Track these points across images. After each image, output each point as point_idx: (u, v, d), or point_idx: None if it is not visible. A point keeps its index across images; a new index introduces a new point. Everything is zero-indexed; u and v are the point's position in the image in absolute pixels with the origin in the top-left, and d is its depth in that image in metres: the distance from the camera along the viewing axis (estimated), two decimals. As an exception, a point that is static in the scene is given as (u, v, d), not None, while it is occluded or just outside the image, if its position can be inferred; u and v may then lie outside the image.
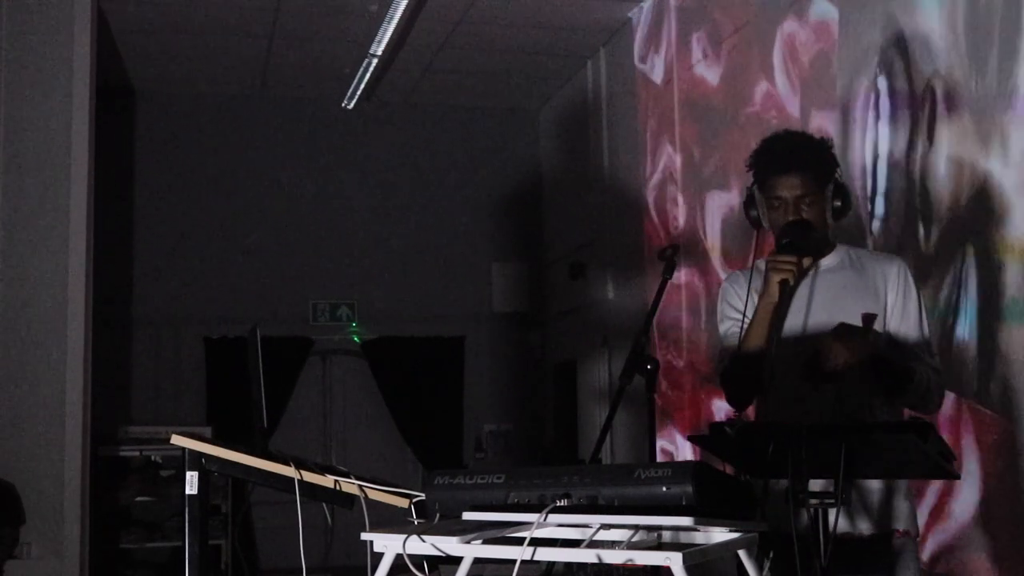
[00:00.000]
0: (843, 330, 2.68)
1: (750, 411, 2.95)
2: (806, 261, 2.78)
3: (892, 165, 4.58)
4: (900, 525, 2.78)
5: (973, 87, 4.11)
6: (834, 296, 2.83)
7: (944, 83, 4.28)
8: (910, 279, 2.86)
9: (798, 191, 2.80)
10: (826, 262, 2.89)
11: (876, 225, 4.69)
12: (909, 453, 2.29)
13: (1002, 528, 3.93)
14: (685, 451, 6.46)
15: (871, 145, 4.73)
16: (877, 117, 4.69)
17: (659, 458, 4.93)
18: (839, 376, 2.67)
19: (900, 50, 4.56)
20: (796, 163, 2.82)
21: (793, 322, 2.82)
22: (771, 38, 5.61)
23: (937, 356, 2.92)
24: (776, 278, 2.70)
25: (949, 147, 4.23)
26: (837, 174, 2.89)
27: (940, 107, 4.28)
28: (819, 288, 2.85)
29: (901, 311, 2.83)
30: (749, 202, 2.92)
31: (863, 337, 2.65)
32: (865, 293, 2.83)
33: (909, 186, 4.46)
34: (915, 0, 4.47)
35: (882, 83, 4.67)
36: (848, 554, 2.70)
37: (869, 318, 2.67)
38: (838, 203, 2.84)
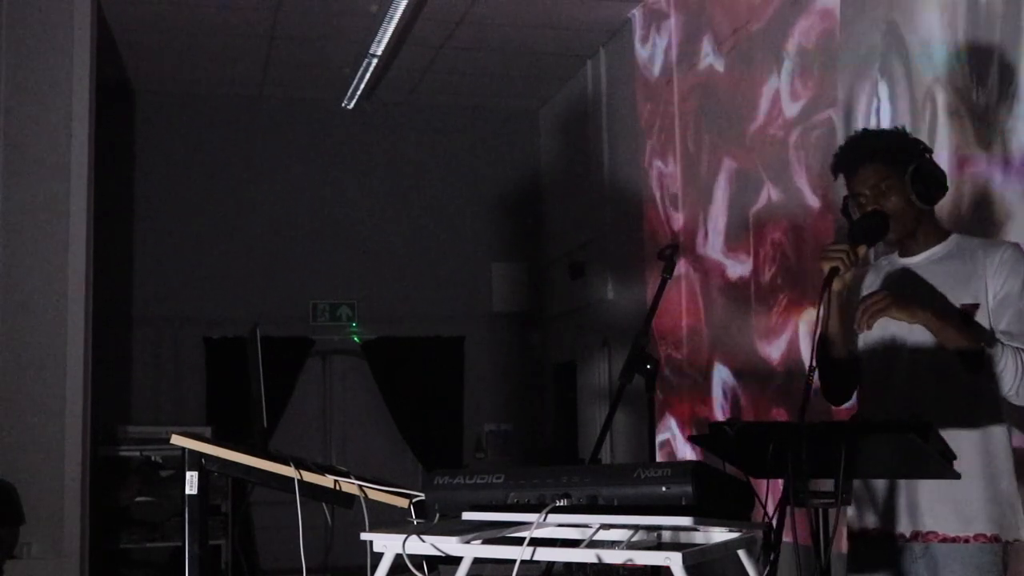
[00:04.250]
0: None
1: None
2: (860, 249, 2.72)
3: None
4: (977, 528, 2.63)
5: (974, 95, 4.09)
6: (939, 287, 2.78)
7: (944, 90, 4.25)
8: (1018, 264, 2.72)
9: (870, 182, 2.80)
10: (934, 252, 2.84)
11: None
12: (909, 453, 2.29)
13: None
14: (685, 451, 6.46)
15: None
16: (878, 122, 4.66)
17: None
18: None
19: (901, 55, 4.53)
20: (863, 157, 2.82)
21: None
22: (772, 37, 5.60)
23: None
24: (826, 265, 2.69)
25: (949, 154, 4.21)
26: (923, 158, 2.82)
27: (940, 113, 4.26)
28: (924, 280, 2.81)
29: (1002, 298, 2.71)
30: (846, 207, 2.91)
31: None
32: (966, 282, 2.75)
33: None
34: (916, 7, 4.46)
35: (883, 88, 4.65)
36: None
37: (969, 309, 2.65)
38: (920, 187, 2.78)
